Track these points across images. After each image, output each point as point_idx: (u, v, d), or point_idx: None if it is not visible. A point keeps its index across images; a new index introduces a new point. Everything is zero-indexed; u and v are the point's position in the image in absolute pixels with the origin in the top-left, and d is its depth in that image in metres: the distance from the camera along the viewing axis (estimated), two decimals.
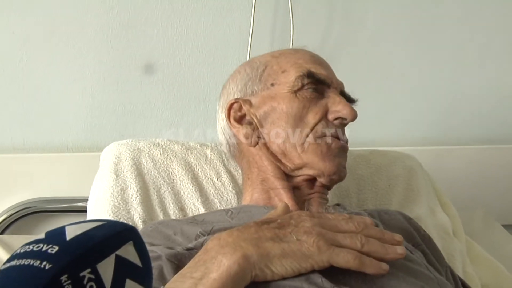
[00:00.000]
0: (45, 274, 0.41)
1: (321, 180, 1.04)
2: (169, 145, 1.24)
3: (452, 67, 1.73)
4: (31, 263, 0.42)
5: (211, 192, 1.20)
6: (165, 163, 1.21)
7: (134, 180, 1.17)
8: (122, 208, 1.14)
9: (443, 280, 0.94)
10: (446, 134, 1.78)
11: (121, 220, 1.12)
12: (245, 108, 1.07)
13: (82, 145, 1.57)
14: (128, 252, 0.45)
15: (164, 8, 1.54)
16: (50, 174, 1.51)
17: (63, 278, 0.41)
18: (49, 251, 0.43)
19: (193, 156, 1.24)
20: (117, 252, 0.44)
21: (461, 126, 1.79)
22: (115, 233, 0.45)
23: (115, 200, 1.15)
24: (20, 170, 1.50)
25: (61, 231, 0.45)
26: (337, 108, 1.03)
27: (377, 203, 1.30)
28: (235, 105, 1.08)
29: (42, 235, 0.45)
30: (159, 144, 1.24)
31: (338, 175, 1.04)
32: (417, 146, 1.70)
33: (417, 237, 1.07)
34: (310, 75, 1.04)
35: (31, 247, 0.44)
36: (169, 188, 1.19)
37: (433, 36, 1.69)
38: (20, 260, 0.43)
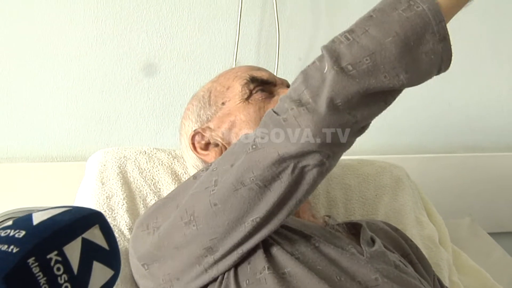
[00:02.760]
0: (12, 258, 0.42)
1: None
2: (155, 153, 1.24)
3: (438, 76, 1.74)
4: None
5: None
6: (151, 171, 1.21)
7: (120, 188, 1.16)
8: (108, 216, 1.13)
9: None
10: (433, 142, 1.79)
11: None
12: (206, 134, 1.08)
13: (67, 155, 1.56)
14: (95, 235, 0.45)
15: (150, 17, 1.54)
16: (34, 184, 1.50)
17: (31, 260, 0.42)
18: (16, 235, 0.43)
19: (180, 165, 1.23)
20: (84, 235, 0.44)
21: (447, 135, 1.80)
22: (81, 217, 0.46)
23: (101, 208, 1.14)
24: (4, 180, 1.48)
25: (28, 217, 0.46)
26: None
27: (364, 213, 1.30)
28: (197, 136, 1.10)
29: (9, 222, 0.45)
30: (145, 152, 1.23)
31: None
32: (403, 154, 1.71)
33: (405, 246, 1.08)
34: (253, 79, 1.06)
35: None
36: (155, 197, 1.18)
37: None
38: None
